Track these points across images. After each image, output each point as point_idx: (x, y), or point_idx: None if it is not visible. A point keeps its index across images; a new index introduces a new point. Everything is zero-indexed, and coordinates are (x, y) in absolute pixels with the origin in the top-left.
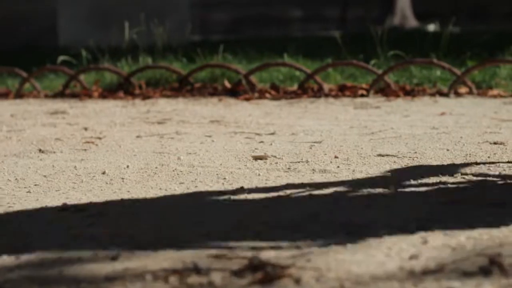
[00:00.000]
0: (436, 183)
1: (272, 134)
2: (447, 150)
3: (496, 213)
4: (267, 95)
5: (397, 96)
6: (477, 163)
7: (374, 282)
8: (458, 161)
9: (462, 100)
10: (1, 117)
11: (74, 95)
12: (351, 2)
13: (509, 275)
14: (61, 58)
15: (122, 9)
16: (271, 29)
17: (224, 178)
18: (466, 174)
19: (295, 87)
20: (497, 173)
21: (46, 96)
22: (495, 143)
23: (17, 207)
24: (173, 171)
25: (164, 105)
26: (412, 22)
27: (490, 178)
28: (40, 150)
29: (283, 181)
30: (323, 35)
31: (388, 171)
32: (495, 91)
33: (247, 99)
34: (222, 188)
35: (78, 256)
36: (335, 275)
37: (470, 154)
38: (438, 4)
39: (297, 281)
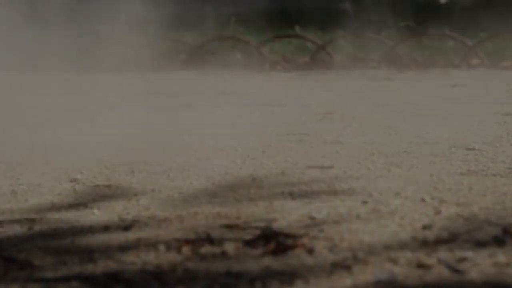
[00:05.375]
0: (445, 153)
1: (284, 105)
2: (459, 121)
3: (507, 182)
4: (279, 67)
5: (409, 68)
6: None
7: (387, 251)
8: (470, 132)
9: (475, 72)
10: None
11: None
12: None
13: None
14: None
15: None
16: (282, 1)
17: (236, 150)
18: (477, 143)
19: (306, 59)
20: (508, 142)
21: None
22: (507, 114)
23: None
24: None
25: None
26: None
27: (500, 149)
28: None
29: (294, 152)
30: (334, 6)
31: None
32: (507, 63)
33: (259, 71)
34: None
35: (90, 226)
36: (348, 245)
37: (482, 125)
38: None
39: (310, 251)
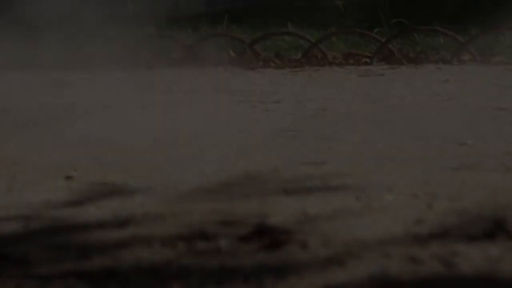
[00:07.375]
0: (437, 148)
1: (277, 102)
2: (450, 116)
3: (499, 177)
4: (272, 64)
5: (401, 63)
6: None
7: (381, 246)
8: (461, 126)
9: (466, 67)
10: None
11: None
12: None
13: None
14: None
15: None
16: None
17: (230, 146)
18: (469, 138)
19: (299, 55)
20: (500, 138)
21: None
22: (498, 110)
23: None
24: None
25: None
26: None
27: (492, 144)
28: None
29: (287, 149)
30: (326, 3)
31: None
32: (498, 58)
33: (252, 68)
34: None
35: (86, 223)
36: (341, 240)
37: (473, 120)
38: None
39: (304, 246)
